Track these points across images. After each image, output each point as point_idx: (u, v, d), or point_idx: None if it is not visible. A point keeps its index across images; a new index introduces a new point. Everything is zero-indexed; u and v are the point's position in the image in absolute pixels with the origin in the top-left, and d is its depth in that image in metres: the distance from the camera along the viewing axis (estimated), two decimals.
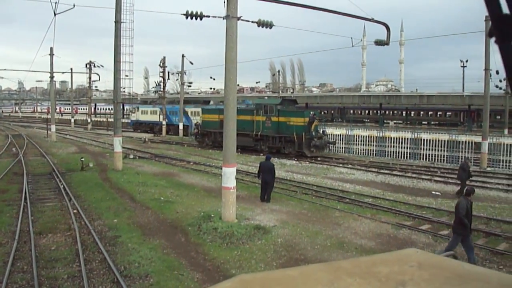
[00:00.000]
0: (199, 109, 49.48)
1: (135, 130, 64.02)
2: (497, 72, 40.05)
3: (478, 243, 13.34)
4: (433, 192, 21.82)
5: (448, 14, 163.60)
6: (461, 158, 32.82)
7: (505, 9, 1.00)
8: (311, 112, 36.99)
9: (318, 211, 16.89)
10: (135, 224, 14.48)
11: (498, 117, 59.15)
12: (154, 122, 62.51)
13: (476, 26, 44.80)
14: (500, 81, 46.23)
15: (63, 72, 66.01)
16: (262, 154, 33.71)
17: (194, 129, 45.41)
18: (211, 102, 60.65)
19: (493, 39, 1.05)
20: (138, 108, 66.01)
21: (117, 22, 24.99)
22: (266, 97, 70.35)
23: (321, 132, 36.30)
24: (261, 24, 16.34)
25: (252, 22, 15.95)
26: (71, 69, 70.91)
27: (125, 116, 78.67)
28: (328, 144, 36.36)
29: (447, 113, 74.42)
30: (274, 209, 16.87)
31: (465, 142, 33.44)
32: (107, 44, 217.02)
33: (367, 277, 1.97)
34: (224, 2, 14.27)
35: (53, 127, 50.02)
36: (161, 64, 58.66)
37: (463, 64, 70.54)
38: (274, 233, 13.66)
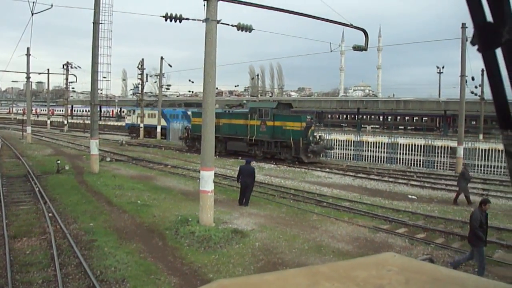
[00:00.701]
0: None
1: (131, 134, 60.19)
2: (473, 79, 40.86)
3: (454, 246, 13.55)
4: (410, 196, 22.05)
5: (425, 22, 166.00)
6: (437, 162, 33.34)
7: (489, 18, 1.02)
8: (307, 117, 35.60)
9: (296, 215, 16.93)
10: (112, 228, 14.32)
11: (473, 122, 60.21)
12: (152, 126, 57.73)
13: (452, 34, 45.61)
14: (476, 87, 47.18)
15: (39, 73, 64.94)
16: (274, 163, 33.62)
17: (183, 133, 43.88)
18: (217, 106, 57.50)
19: (475, 47, 1.07)
20: (134, 110, 61.85)
21: (95, 23, 24.76)
22: (244, 101, 70.26)
23: (317, 137, 35.27)
24: (241, 27, 16.32)
25: (232, 25, 15.92)
26: (48, 70, 69.94)
27: (115, 118, 78.17)
28: (325, 149, 35.26)
29: (423, 118, 75.60)
30: (252, 213, 16.86)
31: (441, 147, 33.90)
32: (84, 45, 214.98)
33: (345, 281, 1.97)
34: (204, 5, 14.22)
35: (29, 129, 49.29)
36: (140, 66, 58.24)
37: (439, 70, 71.72)
38: (252, 236, 13.64)
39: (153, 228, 14.47)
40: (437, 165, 33.44)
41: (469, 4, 1.02)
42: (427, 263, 2.47)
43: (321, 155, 34.99)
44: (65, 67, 68.38)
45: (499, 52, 1.06)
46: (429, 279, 2.04)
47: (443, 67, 72.03)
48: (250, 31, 16.68)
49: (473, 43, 1.06)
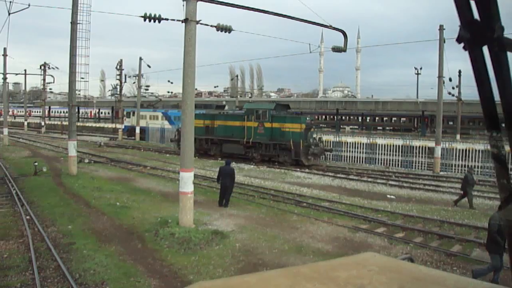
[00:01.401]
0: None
1: (129, 137, 56.53)
2: (450, 80, 41.38)
3: (433, 245, 13.69)
4: (388, 196, 22.25)
5: (402, 23, 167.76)
6: (415, 162, 33.68)
7: (476, 15, 1.02)
8: (307, 118, 34.43)
9: (276, 216, 16.96)
10: (90, 230, 14.16)
11: (451, 123, 61.03)
12: (154, 129, 54.39)
13: (429, 35, 46.19)
14: (453, 88, 47.79)
15: (16, 74, 64.02)
16: (254, 164, 33.54)
17: (175, 135, 41.27)
18: (226, 107, 55.05)
19: (460, 46, 1.07)
20: (134, 112, 58.14)
21: (73, 23, 24.46)
22: (224, 102, 70.11)
23: (317, 139, 34.08)
24: (220, 28, 16.28)
25: (211, 26, 15.87)
26: (25, 70, 68.79)
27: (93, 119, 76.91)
28: (325, 151, 34.20)
29: (402, 118, 76.36)
30: (232, 214, 16.84)
31: (419, 147, 34.31)
32: (62, 45, 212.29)
33: (326, 282, 1.98)
34: (183, 5, 14.17)
35: (6, 130, 48.49)
36: (118, 67, 57.70)
37: (417, 71, 72.42)
38: (232, 237, 13.63)
39: (132, 230, 14.35)
40: (415, 165, 33.85)
41: (456, 3, 1.02)
42: (407, 262, 2.49)
43: (321, 157, 34.03)
44: (42, 67, 67.48)
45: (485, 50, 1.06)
46: (409, 278, 2.06)
47: (421, 68, 72.71)
48: (229, 32, 16.65)
49: (459, 41, 1.06)
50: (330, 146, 36.01)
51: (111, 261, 11.24)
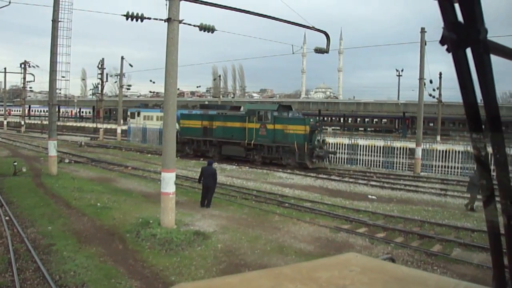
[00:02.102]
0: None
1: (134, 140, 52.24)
2: (431, 81, 41.92)
3: (413, 245, 13.81)
4: (370, 196, 22.39)
5: (384, 26, 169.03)
6: (396, 163, 33.94)
7: (460, 18, 1.02)
8: (311, 119, 33.57)
9: (258, 216, 16.96)
10: (71, 231, 14.01)
11: (431, 124, 61.79)
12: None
13: (410, 38, 46.72)
14: (434, 90, 48.43)
15: None
16: (236, 164, 32.92)
17: None
18: (242, 108, 49.69)
19: (444, 48, 1.07)
20: (139, 112, 55.22)
21: (54, 21, 24.24)
22: (206, 102, 69.97)
23: (321, 141, 33.16)
24: (203, 28, 16.25)
25: (194, 26, 15.84)
26: (5, 68, 68.14)
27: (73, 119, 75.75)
28: (329, 154, 33.21)
29: (383, 120, 77.00)
30: (214, 214, 16.80)
31: (400, 148, 34.58)
32: (43, 43, 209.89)
33: (308, 282, 1.98)
34: (166, 4, 14.11)
35: None
36: (100, 66, 57.21)
37: (399, 73, 73.20)
38: (214, 238, 13.60)
39: (113, 231, 14.23)
40: (396, 166, 34.09)
41: (440, 4, 1.02)
42: (388, 262, 2.50)
43: (325, 160, 32.86)
44: (22, 66, 66.66)
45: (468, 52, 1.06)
46: (391, 278, 2.07)
47: (402, 70, 73.60)
48: (212, 32, 16.64)
49: (442, 42, 1.06)
50: None
51: (91, 263, 11.14)
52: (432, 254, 12.93)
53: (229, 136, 34.90)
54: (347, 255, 2.55)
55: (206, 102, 68.39)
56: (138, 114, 54.75)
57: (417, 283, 2.05)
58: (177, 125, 40.76)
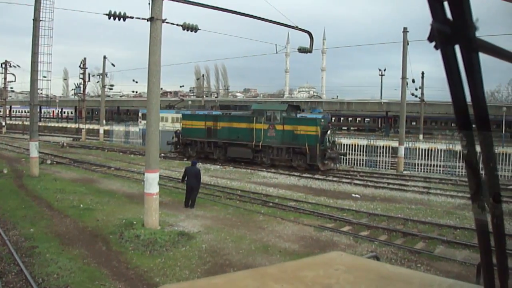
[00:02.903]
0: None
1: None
2: (413, 81, 42.42)
3: (397, 243, 13.91)
4: (353, 195, 22.53)
5: (366, 26, 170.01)
6: (379, 162, 34.18)
7: (449, 15, 1.02)
8: (321, 120, 31.43)
9: (242, 216, 16.96)
10: (53, 233, 13.86)
11: (414, 123, 62.37)
12: None
13: (392, 38, 47.05)
14: (416, 89, 48.98)
15: None
16: (220, 164, 32.76)
17: (173, 138, 38.22)
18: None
19: (431, 45, 1.07)
20: None
21: (36, 20, 23.96)
22: (189, 102, 69.71)
23: (333, 142, 32.00)
24: (186, 27, 16.19)
25: (177, 25, 15.77)
26: None
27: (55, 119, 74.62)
28: (340, 155, 32.74)
29: (366, 119, 77.48)
30: (198, 215, 16.76)
31: (383, 147, 34.88)
32: (24, 43, 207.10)
33: (293, 282, 1.98)
34: (149, 3, 14.03)
35: None
36: (82, 66, 56.78)
37: (381, 72, 73.59)
38: (199, 239, 13.56)
39: (96, 233, 14.11)
40: (379, 165, 34.36)
41: (429, 1, 1.02)
42: (373, 260, 2.51)
43: (337, 161, 32.08)
44: (3, 66, 65.84)
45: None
46: (376, 276, 2.08)
47: (385, 70, 74.01)
48: (195, 31, 16.58)
49: (430, 39, 1.05)
50: None
51: (75, 265, 11.02)
52: (415, 252, 13.04)
53: (235, 137, 33.47)
54: (332, 254, 2.55)
55: (189, 102, 68.15)
56: None
57: (402, 280, 2.06)
58: (178, 125, 39.66)
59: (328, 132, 30.93)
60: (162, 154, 33.75)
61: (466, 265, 11.75)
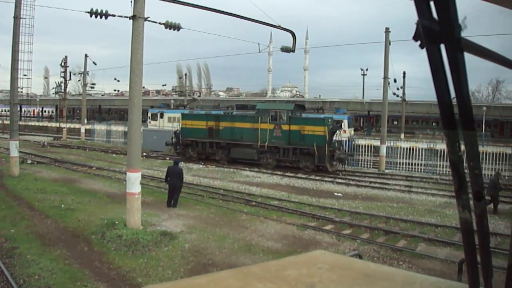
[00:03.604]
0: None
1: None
2: (395, 81, 42.78)
3: (379, 241, 14.03)
4: (335, 194, 22.66)
5: (349, 26, 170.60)
6: (361, 161, 34.33)
7: (434, 14, 1.03)
8: (329, 120, 31.02)
9: (225, 215, 16.96)
10: (34, 234, 13.70)
11: (395, 122, 62.86)
12: None
13: (374, 38, 47.38)
14: (398, 89, 49.41)
15: None
16: (202, 163, 32.42)
17: (172, 138, 36.41)
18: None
19: (417, 43, 1.07)
20: (162, 114, 49.05)
21: (16, 17, 23.67)
22: (172, 100, 69.41)
23: (338, 142, 31.17)
24: (169, 26, 16.12)
25: (160, 23, 15.69)
26: None
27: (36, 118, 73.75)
28: (349, 156, 32.24)
29: None
30: (181, 214, 16.71)
31: (365, 145, 35.09)
32: (4, 41, 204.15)
33: (276, 281, 1.99)
34: (131, 1, 13.93)
35: None
36: (63, 64, 56.09)
37: (364, 72, 74.07)
38: (181, 238, 13.53)
39: (78, 233, 13.99)
40: (361, 164, 34.56)
41: (415, 1, 1.03)
42: (356, 259, 2.53)
43: (345, 162, 31.57)
44: None
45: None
46: (359, 275, 2.09)
47: (367, 70, 74.49)
48: (178, 30, 16.52)
49: (415, 39, 1.06)
50: None
51: (56, 266, 10.92)
52: (397, 250, 13.18)
53: (239, 137, 32.30)
54: (315, 252, 2.56)
55: (172, 101, 67.86)
56: (161, 116, 49.13)
57: (384, 279, 2.07)
58: (178, 125, 38.34)
59: (337, 133, 30.29)
60: (144, 154, 33.58)
61: (448, 263, 11.90)
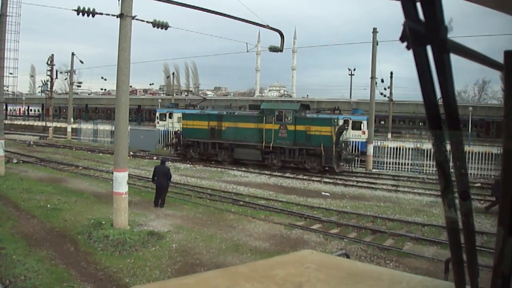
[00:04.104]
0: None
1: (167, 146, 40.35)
2: (382, 81, 42.99)
3: (366, 240, 14.09)
4: (323, 193, 22.71)
5: (336, 26, 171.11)
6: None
7: (421, 15, 1.03)
8: (334, 120, 30.56)
9: (213, 215, 16.93)
10: (20, 234, 13.58)
11: (383, 122, 63.08)
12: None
13: (361, 38, 47.56)
14: (385, 89, 49.67)
15: None
16: (190, 163, 32.17)
17: (172, 139, 36.04)
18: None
19: (403, 45, 1.07)
20: (171, 113, 46.89)
21: (3, 15, 23.43)
22: (159, 100, 69.19)
23: (347, 142, 31.15)
24: (157, 24, 16.06)
25: (147, 22, 15.61)
26: None
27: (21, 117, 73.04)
28: (356, 156, 32.13)
29: None
30: (168, 214, 16.66)
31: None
32: None
33: (264, 281, 1.99)
34: (119, 0, 13.86)
35: None
36: (49, 62, 55.57)
37: (351, 72, 74.34)
38: (169, 238, 13.49)
39: (64, 233, 13.89)
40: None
41: (402, 2, 1.03)
42: (343, 258, 2.54)
43: (352, 163, 31.43)
44: None
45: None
46: (346, 274, 2.09)
47: (354, 70, 74.76)
48: (166, 28, 16.47)
49: (402, 40, 1.06)
50: None
51: (42, 266, 10.83)
52: (384, 249, 13.25)
53: (242, 138, 31.49)
54: (303, 252, 2.57)
55: (159, 100, 67.59)
56: (170, 116, 46.90)
57: (371, 278, 2.08)
58: (178, 125, 37.71)
59: (344, 133, 29.96)
60: (132, 153, 33.44)
61: (434, 261, 11.99)
